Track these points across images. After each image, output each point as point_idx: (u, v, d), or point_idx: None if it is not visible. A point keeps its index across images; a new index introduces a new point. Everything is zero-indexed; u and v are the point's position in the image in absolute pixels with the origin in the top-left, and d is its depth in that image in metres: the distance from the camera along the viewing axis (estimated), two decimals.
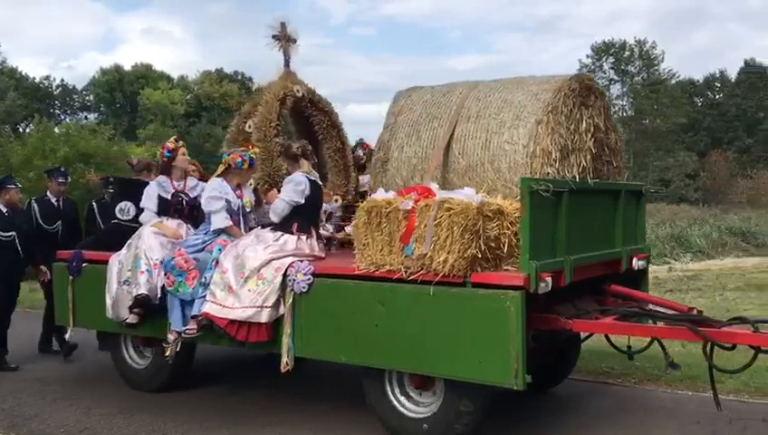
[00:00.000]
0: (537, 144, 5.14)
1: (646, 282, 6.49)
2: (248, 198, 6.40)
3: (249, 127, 6.94)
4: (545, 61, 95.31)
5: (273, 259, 5.76)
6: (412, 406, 5.44)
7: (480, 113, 5.50)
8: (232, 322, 5.67)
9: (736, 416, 5.76)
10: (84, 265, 7.06)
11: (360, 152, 7.83)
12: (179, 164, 6.82)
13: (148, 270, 6.27)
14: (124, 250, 6.61)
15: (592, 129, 5.59)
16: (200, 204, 6.91)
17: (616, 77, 59.63)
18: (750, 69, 57.97)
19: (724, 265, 20.22)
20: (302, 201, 6.01)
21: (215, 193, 6.19)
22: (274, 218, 5.98)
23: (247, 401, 6.69)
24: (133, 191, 7.24)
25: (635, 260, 6.18)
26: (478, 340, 4.80)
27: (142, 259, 6.31)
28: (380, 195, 5.37)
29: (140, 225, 6.87)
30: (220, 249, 6.00)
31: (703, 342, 5.03)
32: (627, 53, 59.52)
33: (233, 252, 5.89)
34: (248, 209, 6.42)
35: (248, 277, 5.71)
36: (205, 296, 5.87)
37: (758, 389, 6.48)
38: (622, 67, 59.35)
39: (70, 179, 9.27)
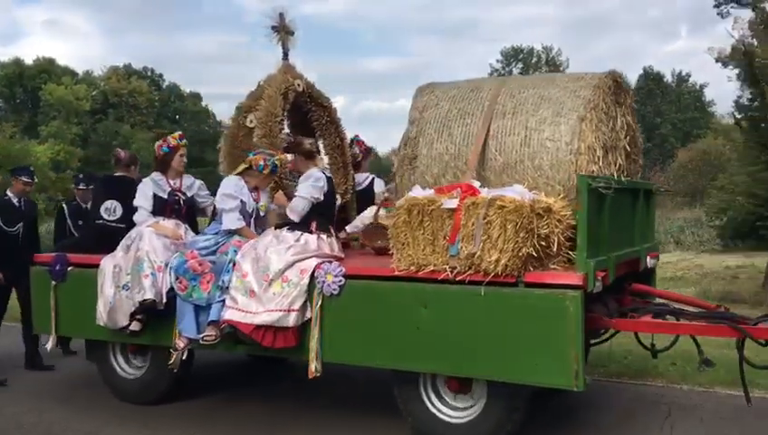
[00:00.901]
0: (582, 141, 5.08)
1: (654, 280, 6.56)
2: (264, 202, 6.07)
3: (251, 122, 6.57)
4: (458, 64, 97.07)
5: (297, 261, 5.49)
6: (451, 411, 5.28)
7: (516, 109, 5.39)
8: (257, 327, 5.34)
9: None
10: (69, 268, 6.54)
11: (357, 150, 7.59)
12: (175, 166, 6.41)
13: (152, 273, 5.84)
14: (120, 252, 6.15)
15: (626, 126, 5.59)
16: (197, 203, 6.61)
17: None
18: None
19: None
20: (322, 198, 5.76)
21: (229, 191, 5.84)
22: (294, 217, 5.68)
23: (250, 409, 6.37)
24: (118, 189, 6.79)
25: (648, 259, 6.24)
26: (534, 341, 4.69)
27: (145, 262, 5.87)
28: (419, 192, 5.19)
29: (127, 225, 6.46)
30: (236, 251, 5.65)
31: (737, 338, 5.13)
32: (534, 58, 61.35)
33: (251, 254, 5.56)
34: (262, 214, 6.08)
35: (273, 280, 5.40)
36: (223, 301, 5.53)
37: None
38: (530, 72, 60.95)
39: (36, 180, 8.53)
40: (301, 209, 5.66)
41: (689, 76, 64.05)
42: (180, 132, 6.56)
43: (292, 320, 5.34)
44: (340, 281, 5.31)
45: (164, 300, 5.84)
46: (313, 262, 5.46)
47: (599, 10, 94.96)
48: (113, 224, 6.67)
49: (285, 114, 6.74)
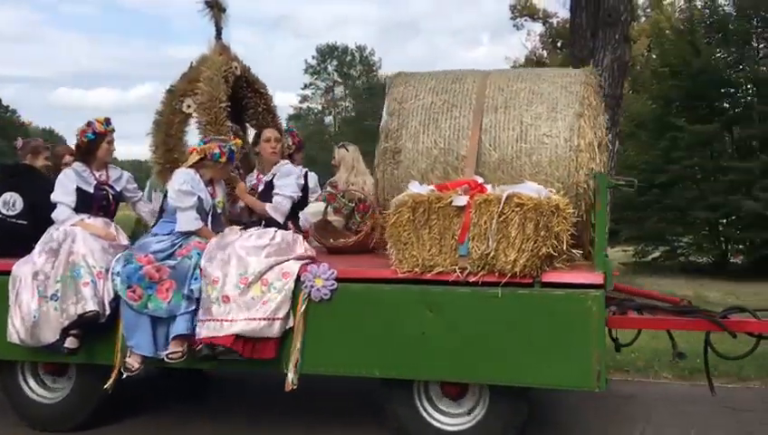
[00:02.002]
0: (582, 138, 4.99)
1: None
2: (221, 197, 5.38)
3: (188, 107, 5.85)
4: (275, 57, 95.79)
5: (277, 263, 4.92)
6: (447, 419, 4.99)
7: (508, 104, 5.19)
8: (237, 337, 4.71)
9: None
10: None
11: (290, 141, 7.02)
12: (101, 155, 5.55)
13: (92, 281, 4.98)
14: (41, 256, 5.19)
15: (604, 124, 5.59)
16: (126, 198, 5.81)
17: (339, 79, 61.92)
18: None
19: None
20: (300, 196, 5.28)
21: (186, 187, 5.08)
22: (279, 218, 5.22)
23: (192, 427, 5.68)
24: (19, 180, 5.81)
25: None
26: (553, 343, 4.53)
27: (83, 267, 5.00)
28: (418, 188, 4.84)
29: (30, 223, 5.55)
30: (199, 254, 4.96)
31: (706, 330, 5.32)
32: (349, 57, 62.02)
33: (219, 256, 4.90)
34: (219, 211, 5.38)
35: (251, 283, 4.80)
36: (190, 313, 4.83)
37: None
38: (345, 70, 61.61)
39: None
40: (286, 209, 5.17)
41: None
42: (107, 117, 5.64)
43: (276, 329, 4.78)
44: (332, 285, 4.81)
45: (107, 311, 5.01)
46: (296, 264, 4.92)
47: (408, 14, 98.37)
48: (12, 220, 5.68)
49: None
